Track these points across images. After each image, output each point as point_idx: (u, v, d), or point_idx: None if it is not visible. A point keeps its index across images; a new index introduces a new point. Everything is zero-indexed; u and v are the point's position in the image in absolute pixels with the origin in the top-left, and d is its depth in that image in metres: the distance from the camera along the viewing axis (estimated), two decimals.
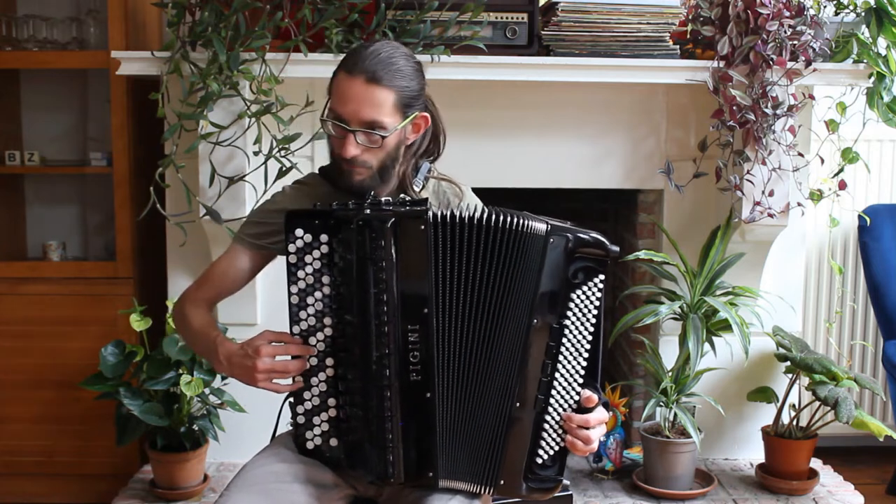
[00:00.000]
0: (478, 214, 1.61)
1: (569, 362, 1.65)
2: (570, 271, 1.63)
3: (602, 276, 1.65)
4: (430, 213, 1.60)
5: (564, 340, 1.64)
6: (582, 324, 1.65)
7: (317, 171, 1.88)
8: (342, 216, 1.63)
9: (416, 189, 1.81)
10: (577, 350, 1.65)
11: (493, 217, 1.62)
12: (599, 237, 1.64)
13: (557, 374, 1.64)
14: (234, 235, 1.89)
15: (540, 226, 1.62)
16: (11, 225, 3.12)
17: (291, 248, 1.65)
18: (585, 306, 1.65)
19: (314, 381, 1.67)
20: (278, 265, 1.95)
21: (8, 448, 2.96)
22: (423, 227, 1.60)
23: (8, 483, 2.98)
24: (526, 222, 1.62)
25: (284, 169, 2.54)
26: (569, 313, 1.64)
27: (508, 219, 1.62)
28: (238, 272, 1.87)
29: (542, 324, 1.63)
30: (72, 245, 3.16)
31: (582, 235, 1.64)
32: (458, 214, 1.61)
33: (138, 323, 2.65)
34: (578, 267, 1.63)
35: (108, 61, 2.76)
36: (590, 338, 1.66)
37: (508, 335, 1.63)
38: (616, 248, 1.66)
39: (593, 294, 1.65)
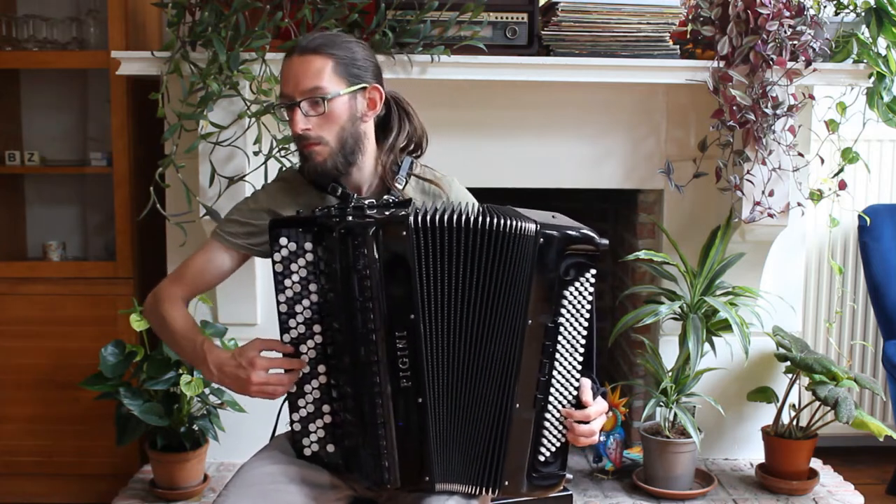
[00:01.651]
0: (464, 217, 1.60)
1: (565, 359, 1.65)
2: (561, 269, 1.62)
3: (594, 271, 1.64)
4: (412, 219, 1.59)
5: (560, 338, 1.63)
6: (576, 319, 1.64)
7: (296, 168, 1.87)
8: (325, 223, 1.62)
9: (400, 186, 1.80)
10: (572, 346, 1.65)
11: (481, 220, 1.60)
12: (588, 232, 1.63)
13: (555, 372, 1.64)
14: (213, 231, 1.87)
15: (529, 226, 1.61)
16: (11, 225, 3.12)
17: (277, 256, 1.65)
18: (579, 302, 1.64)
19: (308, 388, 1.67)
20: None
21: (8, 448, 2.96)
22: (405, 232, 1.58)
23: (8, 483, 2.98)
24: (515, 223, 1.60)
25: (284, 169, 2.54)
26: (563, 311, 1.63)
27: (497, 220, 1.60)
28: (215, 270, 1.85)
29: (537, 324, 1.62)
30: (72, 245, 3.16)
31: (571, 232, 1.62)
32: (441, 218, 1.59)
33: (138, 323, 2.64)
34: (569, 264, 1.62)
35: (108, 61, 2.76)
36: (584, 332, 1.66)
37: (502, 337, 1.62)
38: (605, 242, 1.65)
39: (586, 289, 1.64)
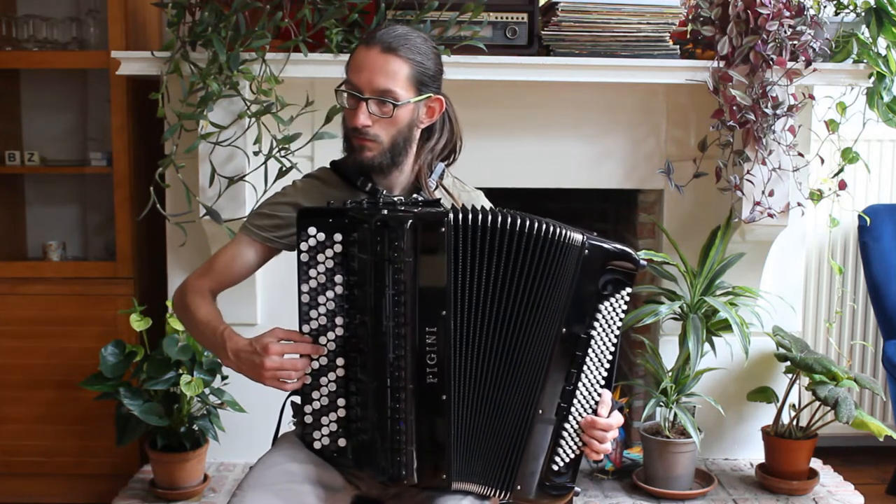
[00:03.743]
0: (508, 219, 1.60)
1: (591, 372, 1.66)
2: (600, 282, 1.63)
3: (629, 290, 1.66)
4: (451, 216, 1.59)
5: (590, 350, 1.64)
6: (607, 335, 1.66)
7: (328, 166, 1.86)
8: (358, 216, 1.62)
9: (431, 187, 1.80)
10: (600, 360, 1.66)
11: (522, 222, 1.60)
12: (629, 250, 1.65)
13: (580, 384, 1.65)
14: (242, 225, 1.87)
15: (576, 236, 1.62)
16: (11, 225, 3.12)
17: (304, 246, 1.64)
18: (612, 317, 1.65)
19: (323, 380, 1.66)
20: (281, 265, 1.95)
21: (8, 448, 2.96)
22: (442, 229, 1.58)
23: (8, 483, 2.98)
24: (562, 231, 1.61)
25: (284, 169, 2.54)
26: (596, 324, 1.64)
27: (543, 226, 1.61)
28: (243, 263, 1.85)
29: (570, 333, 1.63)
30: (72, 245, 3.16)
31: (614, 248, 1.65)
32: (483, 219, 1.60)
33: (138, 323, 2.65)
34: (608, 279, 1.64)
35: (108, 61, 2.76)
36: (612, 348, 1.67)
37: (535, 342, 1.62)
38: (645, 263, 1.68)
39: (619, 306, 1.65)
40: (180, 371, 2.61)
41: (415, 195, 1.76)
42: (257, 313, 2.85)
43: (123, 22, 2.82)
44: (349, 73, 1.73)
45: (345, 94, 1.73)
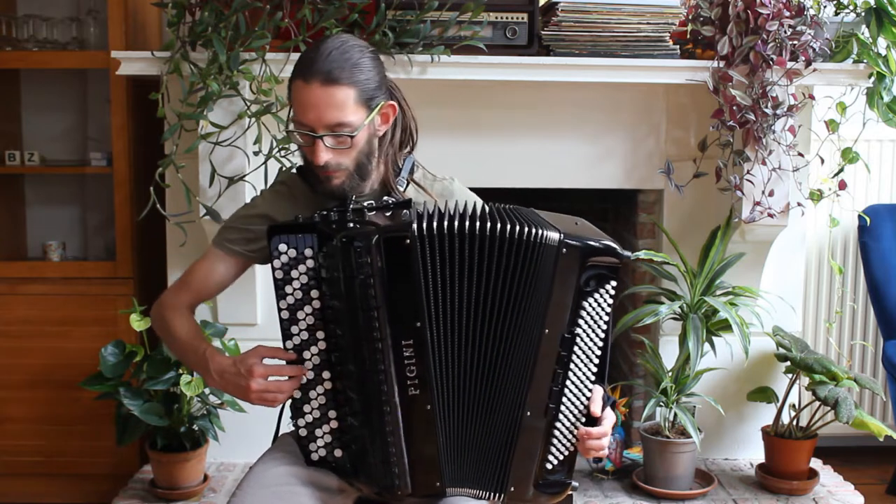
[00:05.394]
0: (477, 224, 1.57)
1: (579, 369, 1.63)
2: (581, 280, 1.59)
3: (614, 283, 1.62)
4: (415, 226, 1.55)
5: (576, 348, 1.62)
6: (593, 330, 1.63)
7: (294, 171, 1.85)
8: (324, 230, 1.60)
9: (401, 188, 1.78)
10: (587, 357, 1.64)
11: (492, 226, 1.57)
12: (612, 244, 1.61)
13: (568, 382, 1.63)
14: (213, 240, 1.87)
15: (552, 235, 1.58)
16: (11, 225, 3.12)
17: (276, 263, 1.62)
18: (597, 313, 1.62)
19: (312, 394, 1.66)
20: None
21: (8, 448, 2.97)
22: (408, 240, 1.54)
23: (8, 483, 2.98)
24: (536, 231, 1.57)
25: (284, 169, 2.54)
26: (580, 321, 1.61)
27: (516, 227, 1.57)
28: (218, 278, 1.85)
29: (553, 334, 1.60)
30: (72, 245, 3.16)
31: (595, 243, 1.60)
32: (450, 225, 1.56)
33: (138, 323, 2.64)
34: (590, 275, 1.59)
35: (108, 61, 2.76)
36: (600, 343, 1.64)
37: (516, 345, 1.60)
38: (628, 254, 1.63)
39: (605, 301, 1.62)
40: (180, 371, 2.61)
41: (385, 197, 1.73)
42: (257, 313, 2.85)
43: (123, 22, 2.82)
44: (295, 113, 1.68)
45: (296, 133, 1.69)
